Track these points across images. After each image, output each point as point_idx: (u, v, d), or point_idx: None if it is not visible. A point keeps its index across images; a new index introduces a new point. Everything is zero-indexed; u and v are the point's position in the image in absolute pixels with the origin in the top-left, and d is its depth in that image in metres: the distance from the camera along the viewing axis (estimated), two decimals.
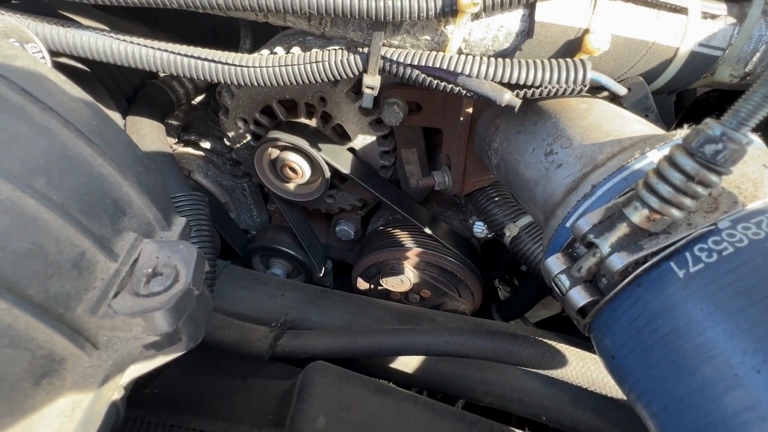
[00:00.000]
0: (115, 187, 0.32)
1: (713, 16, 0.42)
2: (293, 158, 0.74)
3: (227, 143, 0.82)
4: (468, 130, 0.59)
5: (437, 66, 0.40)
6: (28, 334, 0.23)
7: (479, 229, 0.74)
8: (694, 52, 0.42)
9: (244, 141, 0.80)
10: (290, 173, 0.77)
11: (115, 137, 0.35)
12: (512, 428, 0.51)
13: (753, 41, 0.43)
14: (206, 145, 0.91)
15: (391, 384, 0.58)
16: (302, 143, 0.70)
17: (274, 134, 0.70)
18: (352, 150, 0.77)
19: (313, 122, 0.74)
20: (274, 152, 0.76)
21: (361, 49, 0.43)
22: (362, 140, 0.76)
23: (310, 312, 0.72)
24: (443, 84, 0.41)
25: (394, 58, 0.41)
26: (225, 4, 0.37)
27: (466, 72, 0.39)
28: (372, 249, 0.86)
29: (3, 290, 0.22)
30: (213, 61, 0.45)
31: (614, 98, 0.45)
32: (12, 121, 0.28)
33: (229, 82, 0.47)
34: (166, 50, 0.46)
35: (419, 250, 0.82)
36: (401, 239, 0.85)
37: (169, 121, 0.83)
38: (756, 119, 0.23)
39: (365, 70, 0.43)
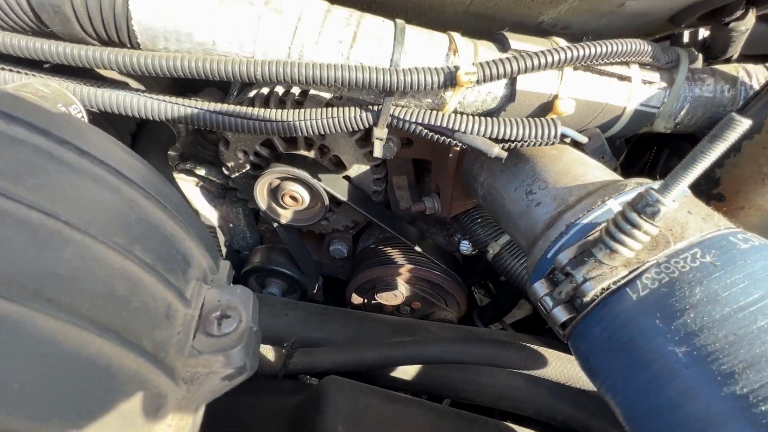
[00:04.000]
0: (182, 242, 0.37)
1: (650, 83, 0.53)
2: (294, 187, 0.80)
3: (225, 172, 0.87)
4: (456, 165, 0.68)
5: (437, 124, 0.48)
6: (147, 377, 0.28)
7: (465, 247, 0.83)
8: (637, 110, 0.53)
9: (243, 170, 0.85)
10: (290, 201, 0.82)
11: (171, 192, 0.40)
12: (504, 422, 0.59)
13: (680, 101, 0.54)
14: (201, 172, 0.94)
15: (398, 393, 0.65)
16: (304, 175, 0.76)
17: (279, 167, 0.76)
18: (347, 178, 0.84)
19: (311, 154, 0.81)
20: (275, 182, 0.82)
21: (371, 107, 0.50)
22: (357, 169, 0.83)
23: (314, 330, 0.78)
24: (442, 138, 0.49)
25: (401, 116, 0.49)
26: (262, 75, 0.43)
27: (462, 129, 0.48)
28: (366, 266, 0.93)
29: (130, 343, 0.27)
30: (237, 116, 0.51)
31: (577, 144, 0.55)
32: (102, 192, 0.33)
33: (255, 133, 0.53)
34: (188, 106, 0.51)
35: (410, 266, 0.90)
36: (393, 256, 0.93)
37: (169, 152, 0.86)
38: (680, 189, 0.33)
39: (375, 125, 0.50)
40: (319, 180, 0.78)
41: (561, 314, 0.41)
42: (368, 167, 0.82)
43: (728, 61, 0.61)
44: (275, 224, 0.91)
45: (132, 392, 0.27)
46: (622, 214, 0.36)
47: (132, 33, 0.41)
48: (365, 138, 0.73)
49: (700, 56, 0.57)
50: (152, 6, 0.40)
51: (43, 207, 0.27)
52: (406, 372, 0.77)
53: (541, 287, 0.43)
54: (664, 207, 0.33)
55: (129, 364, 0.27)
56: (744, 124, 0.29)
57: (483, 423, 0.59)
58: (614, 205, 0.41)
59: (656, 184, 0.35)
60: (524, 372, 0.63)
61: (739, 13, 0.55)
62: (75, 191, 0.31)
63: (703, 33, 0.63)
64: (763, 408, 0.29)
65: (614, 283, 0.37)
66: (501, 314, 1.01)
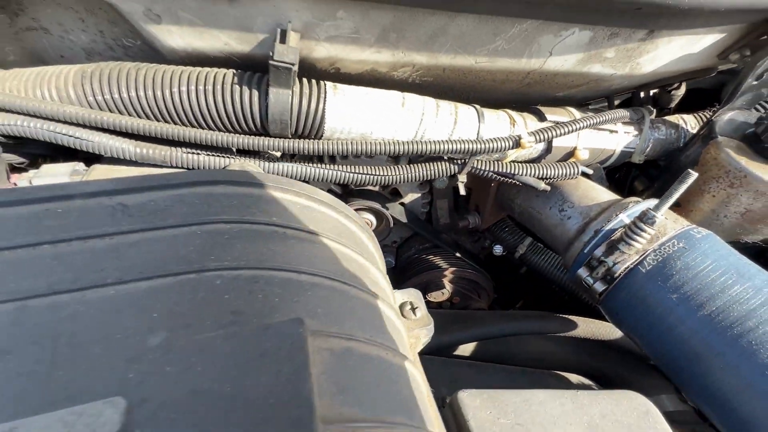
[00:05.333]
0: (371, 270, 0.58)
1: (628, 133, 0.81)
2: (367, 215, 1.01)
3: None
4: (495, 191, 0.93)
5: (504, 171, 0.73)
6: (406, 356, 0.50)
7: (498, 250, 1.08)
8: (622, 151, 0.81)
9: None
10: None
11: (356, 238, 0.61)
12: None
13: (646, 142, 0.83)
14: None
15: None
16: (378, 206, 0.98)
17: (359, 201, 0.97)
18: (402, 204, 1.07)
19: (376, 188, 1.03)
20: None
21: (457, 161, 0.73)
22: (410, 197, 1.06)
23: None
24: (506, 179, 0.74)
25: (479, 166, 0.73)
26: (403, 151, 0.64)
27: (520, 173, 0.73)
28: (416, 272, 1.16)
29: (396, 347, 0.49)
30: (373, 174, 0.72)
31: (586, 175, 0.82)
32: (337, 251, 0.54)
33: (383, 186, 0.74)
34: (339, 170, 0.72)
35: (451, 268, 1.14)
36: (436, 262, 1.16)
37: None
38: (666, 208, 0.59)
39: (459, 173, 0.74)
40: (387, 209, 1.01)
41: (600, 286, 0.67)
42: (419, 195, 1.05)
43: (670, 111, 0.91)
44: None
45: (408, 375, 0.46)
46: (634, 223, 0.62)
47: (321, 131, 0.61)
48: None
49: (654, 111, 0.87)
50: (338, 116, 0.61)
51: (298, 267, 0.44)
52: (465, 350, 1.00)
53: (583, 271, 0.69)
54: (658, 218, 0.60)
55: (400, 360, 0.48)
56: (694, 175, 0.56)
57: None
58: (624, 217, 0.68)
59: (651, 204, 0.62)
60: (555, 335, 0.89)
61: (676, 84, 0.85)
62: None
63: (653, 91, 0.93)
64: (720, 320, 0.56)
65: (632, 263, 0.64)
66: (518, 299, 1.27)
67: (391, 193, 1.05)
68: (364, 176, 0.67)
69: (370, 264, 0.51)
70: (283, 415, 0.26)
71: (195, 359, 0.28)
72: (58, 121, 0.57)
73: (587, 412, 0.50)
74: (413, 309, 0.57)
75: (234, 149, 0.62)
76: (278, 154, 0.70)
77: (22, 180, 0.59)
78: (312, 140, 0.63)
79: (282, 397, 0.27)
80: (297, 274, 0.38)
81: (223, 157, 0.63)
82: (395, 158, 0.79)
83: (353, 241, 0.51)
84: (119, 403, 0.23)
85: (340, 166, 0.67)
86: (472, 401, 0.49)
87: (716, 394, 0.58)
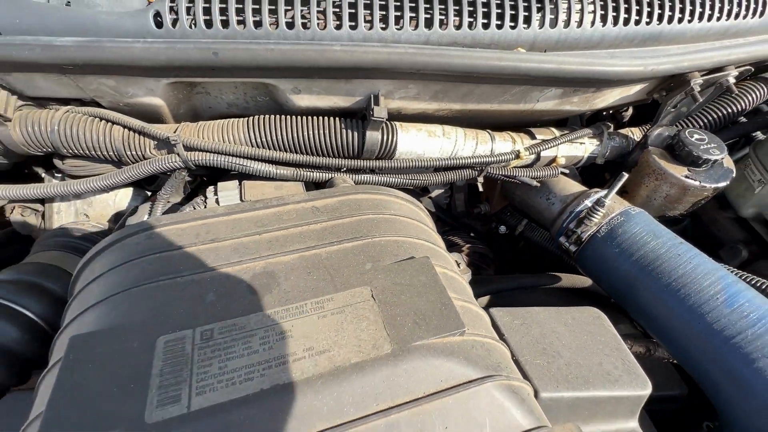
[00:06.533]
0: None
1: (592, 143, 1.17)
2: None
3: None
4: (500, 187, 1.29)
5: (508, 174, 1.08)
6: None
7: (503, 229, 1.44)
8: (588, 156, 1.17)
9: None
10: None
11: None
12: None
13: (606, 148, 1.19)
14: None
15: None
16: (415, 201, 1.33)
17: None
18: (429, 197, 1.42)
19: (411, 188, 1.37)
20: None
21: (474, 168, 1.08)
22: (435, 192, 1.41)
23: None
24: (509, 179, 1.09)
25: (491, 171, 1.08)
26: (446, 165, 1.00)
27: (519, 175, 1.08)
28: None
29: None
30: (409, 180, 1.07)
31: (564, 174, 1.18)
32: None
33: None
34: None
35: (467, 244, 1.50)
36: (455, 240, 1.52)
37: None
38: (612, 196, 0.96)
39: (478, 176, 1.09)
40: (421, 202, 1.35)
41: (573, 248, 1.04)
42: (443, 190, 1.40)
43: (624, 125, 1.27)
44: None
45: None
46: (593, 206, 0.98)
47: (394, 154, 0.96)
48: None
49: (612, 126, 1.22)
50: (403, 145, 0.95)
51: None
52: (480, 303, 1.36)
53: (563, 239, 1.06)
54: (606, 202, 0.96)
55: (465, 281, 0.83)
56: (625, 176, 0.92)
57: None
58: (588, 202, 1.04)
59: (603, 193, 0.98)
60: (545, 288, 1.26)
61: (626, 107, 1.20)
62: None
63: (611, 111, 1.29)
64: (645, 264, 0.92)
65: (592, 232, 1.00)
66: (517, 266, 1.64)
67: (422, 190, 1.40)
68: (418, 181, 1.03)
69: (436, 234, 0.86)
70: (434, 298, 0.61)
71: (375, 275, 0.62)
72: (233, 155, 0.90)
73: (564, 317, 0.86)
74: (458, 263, 0.93)
75: (341, 170, 0.96)
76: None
77: (210, 191, 0.92)
78: (387, 160, 0.97)
79: (430, 295, 0.61)
80: (411, 239, 0.73)
81: (329, 172, 0.97)
82: (436, 169, 1.14)
83: (427, 221, 0.87)
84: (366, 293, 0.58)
85: (401, 176, 1.02)
86: (498, 313, 0.85)
87: (651, 317, 0.94)
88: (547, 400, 0.69)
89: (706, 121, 1.17)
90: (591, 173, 1.39)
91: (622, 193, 1.15)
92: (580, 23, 0.90)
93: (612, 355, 0.79)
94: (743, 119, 1.29)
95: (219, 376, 0.48)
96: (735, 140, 1.34)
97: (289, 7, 0.80)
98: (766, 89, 1.15)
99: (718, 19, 0.99)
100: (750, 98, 1.14)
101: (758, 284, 0.92)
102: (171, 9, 0.79)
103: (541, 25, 0.88)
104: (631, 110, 1.24)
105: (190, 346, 0.50)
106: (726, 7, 1.00)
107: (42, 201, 1.05)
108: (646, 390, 0.74)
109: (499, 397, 0.51)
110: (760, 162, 1.11)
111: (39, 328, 0.82)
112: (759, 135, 1.28)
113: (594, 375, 0.75)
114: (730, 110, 1.15)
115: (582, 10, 0.90)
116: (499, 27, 0.86)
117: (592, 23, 0.90)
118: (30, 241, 1.05)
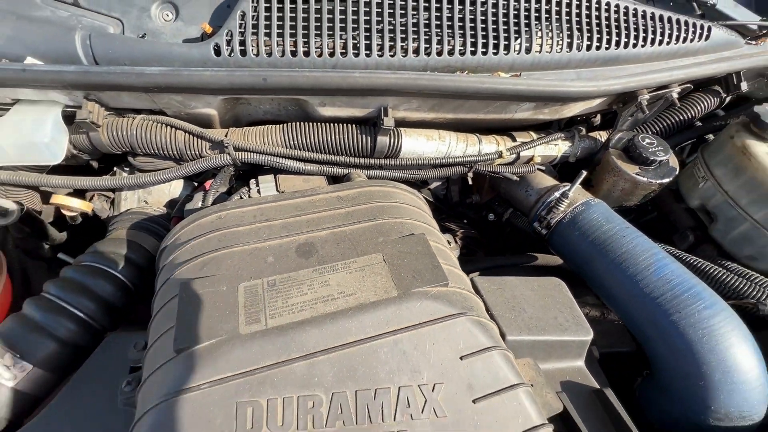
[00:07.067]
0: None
1: (565, 144, 1.40)
2: None
3: None
4: (489, 181, 1.53)
5: (493, 170, 1.31)
6: None
7: (491, 217, 1.68)
8: (562, 155, 1.40)
9: None
10: None
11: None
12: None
13: (577, 149, 1.42)
14: None
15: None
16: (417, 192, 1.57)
17: None
18: (429, 189, 1.65)
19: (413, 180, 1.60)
20: None
21: (465, 166, 1.31)
22: (434, 185, 1.64)
23: None
24: (494, 174, 1.32)
25: (479, 168, 1.31)
26: (442, 162, 1.23)
27: (502, 171, 1.31)
28: None
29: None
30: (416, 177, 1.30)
31: (540, 170, 1.42)
32: None
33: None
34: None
35: (461, 230, 1.74)
36: (450, 226, 1.75)
37: None
38: (575, 188, 1.19)
39: (468, 172, 1.32)
40: (421, 192, 1.59)
41: (545, 232, 1.27)
42: (440, 183, 1.64)
43: (594, 128, 1.49)
44: None
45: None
46: (560, 197, 1.22)
47: (399, 154, 1.19)
48: None
49: (583, 129, 1.45)
50: (407, 146, 1.18)
51: None
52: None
53: (537, 225, 1.29)
54: (570, 194, 1.20)
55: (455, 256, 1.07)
56: (584, 173, 1.15)
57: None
58: (557, 194, 1.28)
59: (567, 187, 1.22)
60: (524, 266, 1.49)
61: (594, 114, 1.42)
62: None
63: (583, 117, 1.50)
64: (598, 243, 1.16)
65: (559, 218, 1.24)
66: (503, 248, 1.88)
67: (422, 183, 1.64)
68: (419, 176, 1.26)
69: (431, 218, 1.10)
70: (427, 262, 0.84)
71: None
72: (272, 155, 1.14)
73: (531, 284, 1.10)
74: (448, 242, 1.17)
75: (357, 166, 1.20)
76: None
77: (252, 183, 1.16)
78: (393, 159, 1.21)
79: (424, 259, 0.85)
80: (412, 221, 0.96)
81: (347, 168, 1.21)
82: (434, 167, 1.37)
83: (424, 208, 1.10)
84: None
85: (403, 172, 1.25)
86: (479, 279, 1.09)
87: (603, 287, 1.17)
88: (512, 342, 0.94)
89: (660, 127, 1.39)
90: (567, 170, 1.62)
91: (588, 187, 1.38)
92: (550, 50, 1.12)
93: (565, 312, 1.03)
94: (699, 124, 1.51)
95: (283, 308, 0.72)
96: (693, 142, 1.56)
97: (318, 39, 1.03)
98: (713, 99, 1.37)
99: (668, 43, 1.21)
100: (699, 108, 1.36)
101: (687, 260, 1.15)
102: (227, 42, 1.02)
103: (518, 51, 1.10)
104: (599, 117, 1.47)
105: (261, 290, 0.75)
106: (674, 33, 1.22)
107: (113, 190, 1.30)
108: (588, 336, 0.99)
109: (470, 326, 0.75)
110: (704, 161, 1.34)
111: (126, 286, 1.07)
112: (711, 137, 1.50)
113: (550, 325, 0.99)
114: (681, 118, 1.37)
115: (552, 38, 1.12)
116: (484, 54, 1.09)
117: (560, 50, 1.12)
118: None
